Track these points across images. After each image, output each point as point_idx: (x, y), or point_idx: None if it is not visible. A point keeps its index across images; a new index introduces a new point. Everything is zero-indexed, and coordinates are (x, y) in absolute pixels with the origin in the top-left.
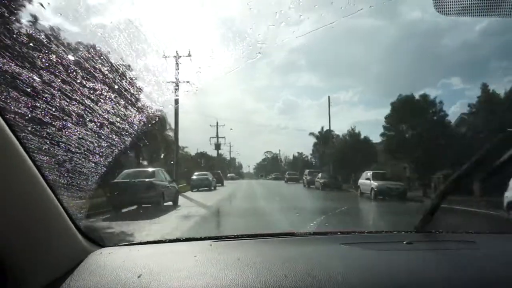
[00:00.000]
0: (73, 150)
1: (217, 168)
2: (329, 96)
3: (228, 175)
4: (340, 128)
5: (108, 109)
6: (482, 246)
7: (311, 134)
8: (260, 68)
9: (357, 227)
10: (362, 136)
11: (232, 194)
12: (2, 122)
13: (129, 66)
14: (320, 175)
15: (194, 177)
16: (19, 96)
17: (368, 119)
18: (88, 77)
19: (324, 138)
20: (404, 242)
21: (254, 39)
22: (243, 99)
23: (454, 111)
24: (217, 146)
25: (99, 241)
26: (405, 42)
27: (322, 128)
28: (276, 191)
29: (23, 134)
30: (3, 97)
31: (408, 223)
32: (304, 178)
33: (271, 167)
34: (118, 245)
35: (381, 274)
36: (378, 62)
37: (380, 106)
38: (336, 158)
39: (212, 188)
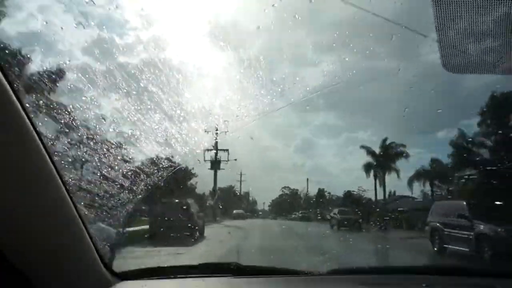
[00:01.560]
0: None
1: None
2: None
3: (234, 211)
4: (356, 166)
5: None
6: None
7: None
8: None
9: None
10: None
11: None
12: (42, 147)
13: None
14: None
15: None
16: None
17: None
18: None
19: None
20: (424, 285)
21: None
22: (260, 136)
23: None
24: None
25: (121, 273)
26: (423, 82)
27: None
28: None
29: (57, 158)
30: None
31: None
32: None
33: (288, 204)
34: (140, 279)
35: None
36: (396, 102)
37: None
38: None
39: None
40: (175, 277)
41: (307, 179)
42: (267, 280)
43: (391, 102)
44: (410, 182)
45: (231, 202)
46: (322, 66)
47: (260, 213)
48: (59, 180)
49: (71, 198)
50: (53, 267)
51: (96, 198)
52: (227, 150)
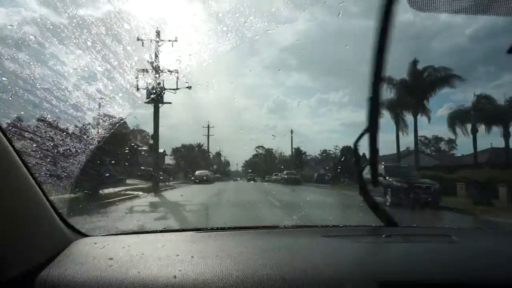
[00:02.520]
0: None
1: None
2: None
3: (196, 173)
4: (328, 128)
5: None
6: (458, 239)
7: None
8: (251, 66)
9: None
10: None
11: None
12: None
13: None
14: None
15: None
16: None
17: (355, 121)
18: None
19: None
20: (383, 236)
21: (246, 35)
22: (233, 96)
23: (441, 114)
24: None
25: (83, 231)
26: (395, 44)
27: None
28: None
29: (8, 126)
30: None
31: None
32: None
33: (264, 165)
34: (102, 235)
35: (359, 266)
36: (367, 62)
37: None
38: None
39: None
40: (139, 233)
41: (291, 131)
42: (231, 233)
43: (362, 64)
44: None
45: (194, 162)
46: (295, 24)
47: (234, 174)
48: (6, 141)
49: (20, 158)
50: (8, 229)
51: (47, 156)
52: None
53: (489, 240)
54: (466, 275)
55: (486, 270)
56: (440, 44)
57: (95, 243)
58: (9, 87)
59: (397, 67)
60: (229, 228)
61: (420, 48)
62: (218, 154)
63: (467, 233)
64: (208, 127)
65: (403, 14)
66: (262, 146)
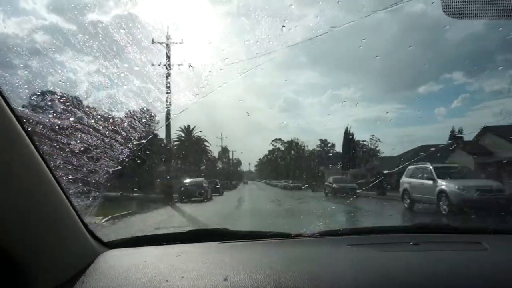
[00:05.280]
0: (84, 153)
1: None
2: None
3: (186, 181)
4: (342, 125)
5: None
6: (488, 246)
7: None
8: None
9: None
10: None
11: None
12: (18, 125)
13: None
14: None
15: None
16: (34, 99)
17: (369, 116)
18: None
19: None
20: (411, 243)
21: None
22: (244, 97)
23: (456, 106)
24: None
25: (109, 242)
26: (407, 36)
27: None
28: None
29: (37, 136)
30: (18, 100)
31: None
32: None
33: (284, 164)
34: (129, 247)
35: (388, 276)
36: (379, 57)
37: (382, 102)
38: None
39: None
40: (162, 244)
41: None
42: (255, 243)
43: (374, 58)
44: None
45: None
46: (305, 20)
47: (246, 176)
48: (34, 150)
49: (48, 167)
50: (35, 241)
51: (75, 166)
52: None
53: None
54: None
55: None
56: (454, 33)
57: (122, 255)
58: (36, 88)
59: (412, 58)
60: (254, 237)
61: (434, 38)
62: (225, 150)
63: (499, 239)
64: (222, 136)
65: (415, 5)
66: (280, 139)
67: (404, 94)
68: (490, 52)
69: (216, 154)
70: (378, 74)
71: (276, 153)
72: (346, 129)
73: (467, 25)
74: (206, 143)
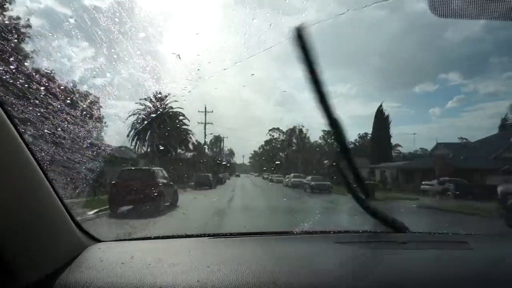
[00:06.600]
0: (72, 148)
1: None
2: None
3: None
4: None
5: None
6: (474, 246)
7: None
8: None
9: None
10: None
11: None
12: (8, 121)
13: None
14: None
15: None
16: (22, 95)
17: (365, 113)
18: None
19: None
20: (399, 242)
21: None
22: (240, 89)
23: (450, 106)
24: None
25: (97, 236)
26: (407, 34)
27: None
28: None
29: (27, 133)
30: (8, 98)
31: None
32: None
33: (284, 155)
34: (115, 240)
35: (373, 273)
36: (377, 54)
37: (379, 99)
38: None
39: None
40: (152, 238)
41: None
42: (244, 239)
43: (372, 55)
44: None
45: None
46: (304, 14)
47: (239, 169)
48: (22, 143)
49: (36, 159)
50: (21, 232)
51: (63, 161)
52: None
53: (508, 247)
54: (480, 285)
55: (503, 279)
56: (452, 34)
57: (110, 248)
58: (26, 85)
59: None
60: (242, 234)
61: (433, 38)
62: (218, 138)
63: (484, 239)
64: (205, 109)
65: (416, 4)
66: (277, 129)
67: (400, 92)
68: (487, 54)
69: (201, 140)
70: (375, 71)
71: (273, 143)
72: (379, 109)
73: (465, 26)
74: (184, 120)
